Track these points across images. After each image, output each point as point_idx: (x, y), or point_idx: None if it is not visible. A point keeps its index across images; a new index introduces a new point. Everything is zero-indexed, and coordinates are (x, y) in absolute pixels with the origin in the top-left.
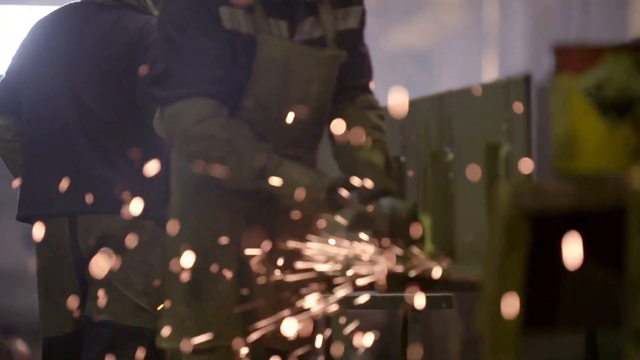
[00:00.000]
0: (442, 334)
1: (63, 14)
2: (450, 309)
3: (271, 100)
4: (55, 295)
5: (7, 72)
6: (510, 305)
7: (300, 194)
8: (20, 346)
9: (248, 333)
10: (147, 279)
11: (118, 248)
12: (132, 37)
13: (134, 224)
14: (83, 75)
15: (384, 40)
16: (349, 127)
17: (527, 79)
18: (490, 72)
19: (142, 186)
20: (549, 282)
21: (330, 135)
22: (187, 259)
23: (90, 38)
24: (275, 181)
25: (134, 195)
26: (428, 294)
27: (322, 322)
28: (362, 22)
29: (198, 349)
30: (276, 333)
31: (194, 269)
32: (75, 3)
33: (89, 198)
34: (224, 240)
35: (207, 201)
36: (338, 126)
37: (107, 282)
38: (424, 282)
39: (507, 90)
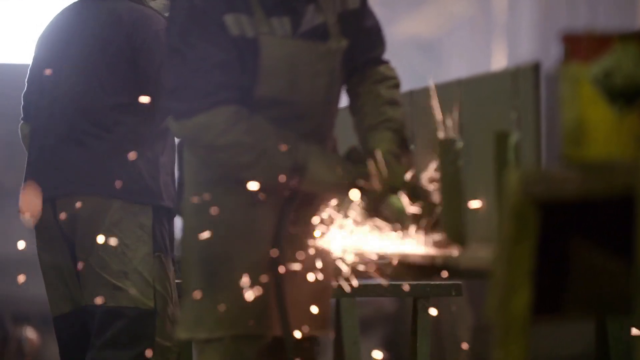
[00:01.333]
0: (451, 322)
1: (68, 7)
2: (460, 296)
3: (280, 98)
4: (51, 276)
5: (30, 73)
6: (520, 292)
7: (325, 188)
8: (31, 334)
9: (265, 323)
10: (123, 258)
11: (89, 229)
12: (126, 28)
13: (104, 204)
14: (77, 65)
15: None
16: (361, 106)
17: (536, 67)
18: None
19: (114, 166)
20: (558, 270)
21: (350, 113)
22: (202, 250)
23: (86, 29)
24: (303, 179)
25: (105, 175)
26: (437, 282)
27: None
28: (362, 1)
29: (211, 339)
30: (294, 320)
31: (209, 260)
32: None
33: (63, 182)
34: (239, 230)
35: (221, 193)
36: (352, 106)
37: (89, 267)
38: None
39: (516, 79)
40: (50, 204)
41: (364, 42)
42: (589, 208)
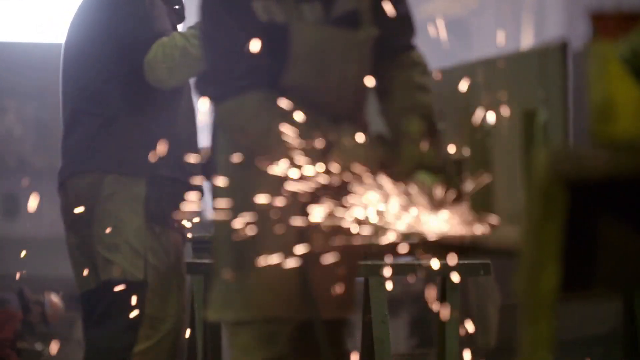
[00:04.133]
0: (479, 301)
1: None
2: (489, 275)
3: (309, 85)
4: (77, 254)
5: None
6: (548, 271)
7: (354, 167)
8: (54, 298)
9: (295, 305)
10: (116, 232)
11: (86, 206)
12: (109, 10)
13: (98, 179)
14: (75, 46)
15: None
16: (392, 90)
17: (564, 46)
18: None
19: (106, 140)
20: (586, 248)
21: (377, 98)
22: (235, 229)
23: (83, 13)
24: (334, 159)
25: (97, 151)
26: (466, 261)
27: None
28: None
29: (239, 321)
30: (326, 302)
31: (240, 242)
32: None
33: (66, 165)
34: (269, 213)
35: (253, 175)
36: (381, 91)
37: (90, 243)
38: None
39: (543, 58)
40: (62, 187)
41: (396, 28)
42: (617, 186)
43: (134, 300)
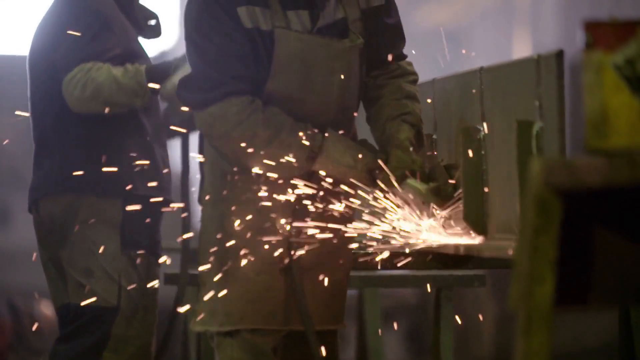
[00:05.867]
0: (474, 313)
1: None
2: (483, 287)
3: (293, 93)
4: (50, 270)
5: None
6: (543, 282)
7: (342, 172)
8: (45, 308)
9: (278, 317)
10: (89, 257)
11: (61, 227)
12: (59, 21)
13: (75, 202)
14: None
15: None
16: (381, 99)
17: (559, 55)
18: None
19: (81, 162)
20: (581, 259)
21: (365, 105)
22: (218, 243)
23: (43, 28)
24: (320, 164)
25: (72, 173)
26: (460, 272)
27: (355, 301)
28: None
29: (222, 332)
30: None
31: (224, 253)
32: None
33: (38, 184)
34: (253, 226)
35: (236, 187)
36: (370, 99)
37: (62, 264)
38: (455, 260)
39: (539, 67)
40: (35, 205)
41: (386, 38)
42: (612, 197)
43: (103, 323)
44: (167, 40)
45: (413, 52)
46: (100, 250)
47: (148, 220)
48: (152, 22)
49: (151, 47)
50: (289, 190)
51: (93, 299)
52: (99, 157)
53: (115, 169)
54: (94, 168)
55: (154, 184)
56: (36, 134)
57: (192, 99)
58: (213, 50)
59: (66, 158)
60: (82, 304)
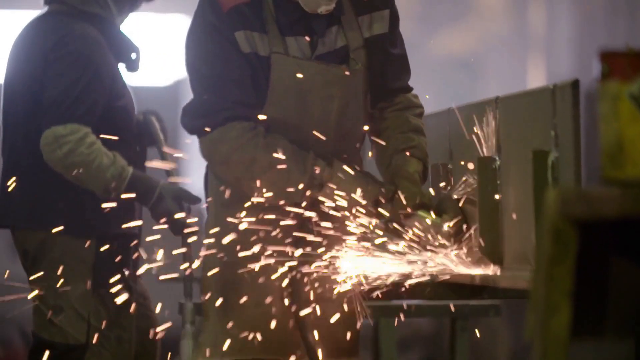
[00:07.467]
0: (490, 343)
1: (28, 23)
2: (499, 317)
3: (290, 119)
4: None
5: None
6: (559, 313)
7: (347, 204)
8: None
9: (277, 349)
10: (62, 295)
11: (33, 262)
12: (46, 46)
13: (49, 239)
14: (15, 90)
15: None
16: (387, 132)
17: (575, 85)
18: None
19: (56, 199)
20: (597, 290)
21: (371, 138)
22: (219, 273)
23: (21, 47)
24: (323, 195)
25: (47, 209)
26: (476, 302)
27: (370, 330)
28: (392, 26)
29: None
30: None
31: (226, 284)
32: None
33: (8, 209)
34: (255, 255)
35: (236, 215)
36: (376, 131)
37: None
38: (471, 290)
39: (554, 97)
40: (11, 230)
41: (392, 69)
42: (629, 227)
43: (69, 358)
44: (179, 70)
45: (427, 81)
46: (71, 290)
47: (119, 258)
48: (133, 55)
49: (164, 78)
50: (290, 215)
51: (60, 336)
52: (74, 195)
53: (89, 209)
54: (67, 207)
55: (130, 224)
56: (5, 148)
57: (194, 125)
58: (213, 75)
59: (39, 191)
60: (49, 339)
